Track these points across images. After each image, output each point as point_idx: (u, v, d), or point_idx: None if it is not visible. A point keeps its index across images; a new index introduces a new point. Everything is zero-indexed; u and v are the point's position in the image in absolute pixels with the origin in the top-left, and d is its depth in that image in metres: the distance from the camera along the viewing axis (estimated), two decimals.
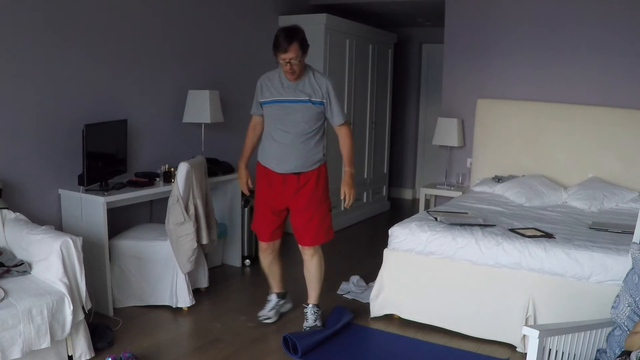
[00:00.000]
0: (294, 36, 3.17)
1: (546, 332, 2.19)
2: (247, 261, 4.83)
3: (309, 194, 3.38)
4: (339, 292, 4.22)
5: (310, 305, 3.61)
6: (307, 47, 3.27)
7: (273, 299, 3.73)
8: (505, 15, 5.27)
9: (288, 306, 3.81)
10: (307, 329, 3.51)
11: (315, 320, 3.55)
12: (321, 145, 3.42)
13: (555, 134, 4.95)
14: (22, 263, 3.04)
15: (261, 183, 3.49)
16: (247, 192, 3.60)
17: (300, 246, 3.51)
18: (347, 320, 3.61)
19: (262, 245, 3.60)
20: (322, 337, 3.37)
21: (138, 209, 4.33)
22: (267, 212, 3.49)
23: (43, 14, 3.58)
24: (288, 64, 3.18)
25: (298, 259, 3.63)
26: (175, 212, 3.63)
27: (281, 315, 3.74)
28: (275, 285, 3.74)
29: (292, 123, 3.31)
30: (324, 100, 3.32)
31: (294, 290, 3.89)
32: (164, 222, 3.77)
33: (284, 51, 3.15)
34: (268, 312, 3.68)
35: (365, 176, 6.70)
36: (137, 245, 3.79)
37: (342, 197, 3.37)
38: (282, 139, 3.34)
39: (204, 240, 3.85)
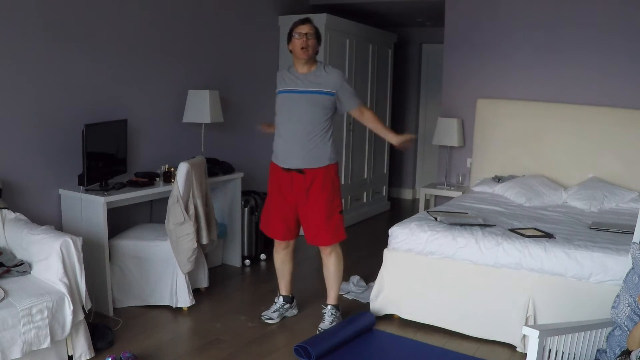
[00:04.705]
0: (310, 20, 3.41)
1: (546, 332, 2.19)
2: (247, 261, 4.83)
3: (316, 194, 3.39)
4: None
5: (328, 307, 3.61)
6: (320, 39, 3.43)
7: (279, 301, 3.73)
8: (505, 15, 5.28)
9: (293, 312, 3.78)
10: (322, 330, 3.49)
11: (332, 323, 3.53)
12: (329, 144, 3.41)
13: (555, 134, 4.95)
14: (22, 263, 3.04)
15: (272, 183, 3.53)
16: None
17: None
18: (365, 326, 3.51)
19: (276, 243, 3.64)
20: (335, 342, 3.28)
21: (138, 209, 4.33)
22: (279, 213, 3.51)
23: (43, 14, 3.58)
24: (304, 37, 3.29)
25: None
26: (175, 212, 3.64)
27: (283, 319, 3.72)
28: (283, 287, 3.74)
29: (299, 114, 3.34)
30: (334, 91, 3.35)
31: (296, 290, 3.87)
32: (164, 222, 3.77)
33: (302, 23, 3.35)
34: (272, 314, 3.67)
35: (365, 176, 6.70)
36: (137, 245, 3.79)
37: (406, 140, 3.42)
38: (288, 133, 3.38)
39: (204, 240, 3.85)
